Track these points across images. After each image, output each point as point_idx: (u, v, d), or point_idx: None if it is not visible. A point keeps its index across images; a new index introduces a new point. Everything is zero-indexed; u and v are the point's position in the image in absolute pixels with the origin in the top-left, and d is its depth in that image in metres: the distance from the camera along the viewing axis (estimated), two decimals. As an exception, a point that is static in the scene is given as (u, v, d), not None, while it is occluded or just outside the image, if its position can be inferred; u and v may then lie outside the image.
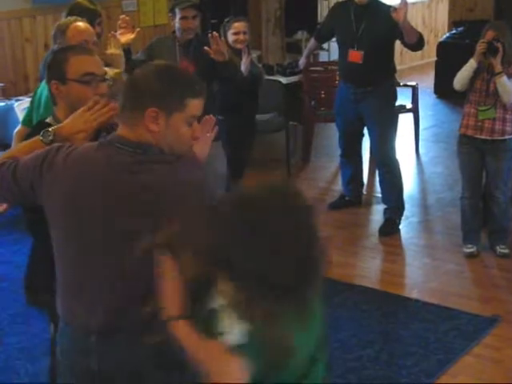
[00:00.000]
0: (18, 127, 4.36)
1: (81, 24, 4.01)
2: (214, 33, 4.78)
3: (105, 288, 2.37)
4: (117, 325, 2.37)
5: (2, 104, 6.79)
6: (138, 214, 2.32)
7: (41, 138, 2.62)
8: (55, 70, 2.88)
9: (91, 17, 4.54)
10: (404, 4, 5.43)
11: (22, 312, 4.83)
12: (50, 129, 2.63)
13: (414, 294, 5.02)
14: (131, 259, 2.23)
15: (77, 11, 4.64)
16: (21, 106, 6.40)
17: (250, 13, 10.01)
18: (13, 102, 6.74)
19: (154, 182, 2.34)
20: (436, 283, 5.17)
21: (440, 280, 5.21)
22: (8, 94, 7.16)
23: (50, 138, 2.60)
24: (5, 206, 4.02)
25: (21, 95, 7.17)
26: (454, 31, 10.63)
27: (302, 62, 6.98)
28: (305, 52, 7.03)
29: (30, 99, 6.58)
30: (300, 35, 10.22)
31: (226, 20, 5.74)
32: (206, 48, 4.77)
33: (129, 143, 2.36)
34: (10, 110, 6.53)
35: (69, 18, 4.16)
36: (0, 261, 5.61)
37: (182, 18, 4.97)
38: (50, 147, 2.47)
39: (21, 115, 6.24)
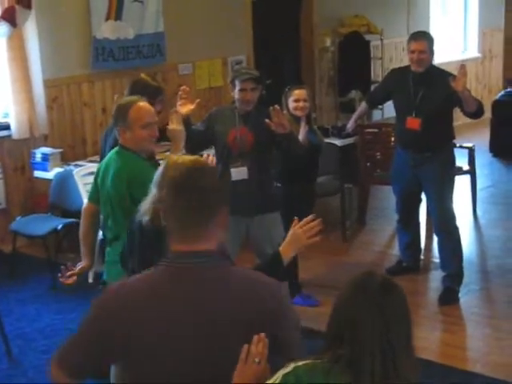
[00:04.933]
0: (85, 204, 4.37)
1: (142, 104, 4.03)
2: (276, 106, 4.80)
3: None
4: None
5: (61, 170, 6.89)
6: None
7: None
8: None
9: (154, 94, 4.58)
10: (463, 74, 5.39)
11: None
12: None
13: (477, 368, 4.89)
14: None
15: (140, 87, 4.68)
16: (80, 173, 6.48)
17: (303, 73, 10.09)
18: (71, 167, 6.85)
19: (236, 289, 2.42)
20: (499, 356, 5.02)
21: (504, 353, 5.06)
22: (66, 159, 7.28)
23: None
24: (75, 278, 4.09)
25: (79, 159, 7.29)
26: (509, 89, 10.56)
27: (350, 125, 6.85)
28: (354, 115, 6.87)
29: (89, 164, 6.75)
30: (353, 94, 10.25)
31: (287, 87, 5.76)
32: (267, 121, 4.77)
33: (207, 254, 2.42)
34: (68, 176, 6.62)
35: (130, 98, 4.15)
36: (57, 328, 5.61)
37: (240, 90, 4.97)
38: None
39: (79, 181, 6.34)
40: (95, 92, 7.75)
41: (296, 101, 5.63)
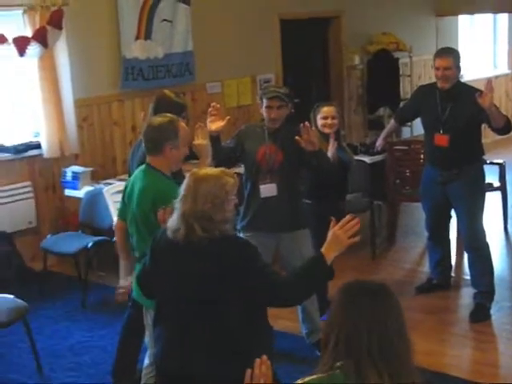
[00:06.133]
0: (116, 221, 4.44)
1: (183, 123, 4.10)
2: (306, 123, 4.83)
3: None
4: None
5: (92, 188, 6.98)
6: None
7: None
8: None
9: (178, 110, 4.61)
10: (489, 89, 5.40)
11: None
12: None
13: (509, 386, 4.87)
14: None
15: (164, 104, 4.72)
16: (110, 191, 6.55)
17: (331, 90, 10.13)
18: (101, 186, 6.92)
19: None
20: (531, 374, 5.00)
21: (536, 370, 5.03)
22: (96, 177, 7.36)
23: None
24: (126, 296, 4.15)
25: (109, 178, 7.37)
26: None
27: (379, 143, 6.83)
28: (383, 133, 6.89)
29: (118, 183, 6.83)
30: (382, 111, 10.27)
31: (316, 104, 5.78)
32: (297, 138, 4.79)
33: None
34: (98, 194, 6.69)
35: (170, 115, 4.17)
36: (87, 346, 5.65)
37: (267, 107, 5.01)
38: None
39: (109, 199, 6.41)
40: (125, 111, 7.84)
41: (324, 118, 5.65)
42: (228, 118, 4.94)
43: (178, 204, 3.28)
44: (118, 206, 4.42)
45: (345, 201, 5.95)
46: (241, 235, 4.97)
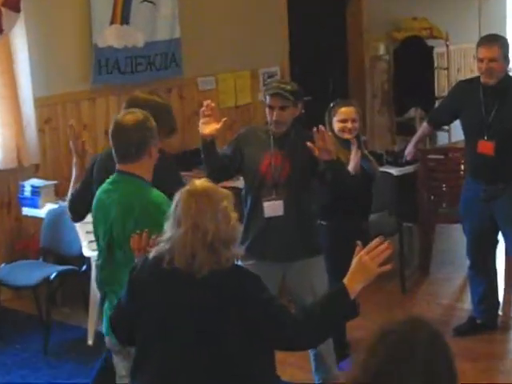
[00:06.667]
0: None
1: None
2: (321, 127, 4.82)
3: None
4: None
5: (55, 206, 6.96)
6: None
7: None
8: None
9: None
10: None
11: None
12: None
13: None
14: None
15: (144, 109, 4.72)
16: (78, 210, 6.56)
17: (350, 86, 10.16)
18: (67, 203, 6.93)
19: None
20: None
21: None
22: (61, 193, 7.35)
23: None
24: None
25: (76, 194, 7.37)
26: None
27: (408, 151, 6.86)
28: (413, 139, 6.89)
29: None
30: (413, 113, 10.29)
31: (332, 104, 5.79)
32: (309, 144, 4.77)
33: None
34: (63, 213, 6.70)
35: (139, 110, 4.18)
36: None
37: (268, 107, 5.01)
38: None
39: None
40: (96, 112, 7.83)
41: (343, 121, 5.64)
42: (225, 119, 4.95)
43: (172, 230, 3.28)
44: (89, 228, 4.42)
45: (368, 221, 5.95)
46: (239, 263, 4.98)
